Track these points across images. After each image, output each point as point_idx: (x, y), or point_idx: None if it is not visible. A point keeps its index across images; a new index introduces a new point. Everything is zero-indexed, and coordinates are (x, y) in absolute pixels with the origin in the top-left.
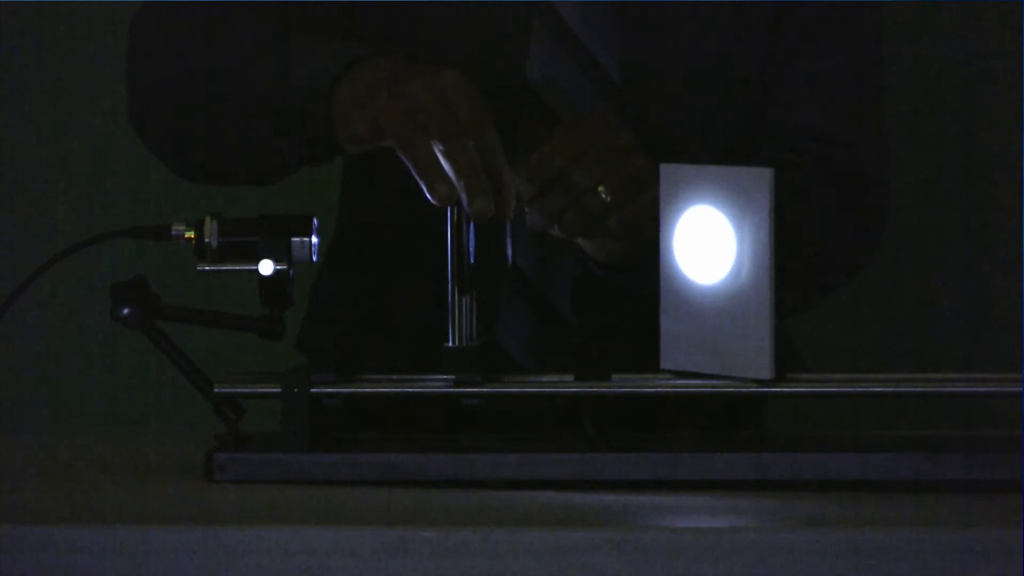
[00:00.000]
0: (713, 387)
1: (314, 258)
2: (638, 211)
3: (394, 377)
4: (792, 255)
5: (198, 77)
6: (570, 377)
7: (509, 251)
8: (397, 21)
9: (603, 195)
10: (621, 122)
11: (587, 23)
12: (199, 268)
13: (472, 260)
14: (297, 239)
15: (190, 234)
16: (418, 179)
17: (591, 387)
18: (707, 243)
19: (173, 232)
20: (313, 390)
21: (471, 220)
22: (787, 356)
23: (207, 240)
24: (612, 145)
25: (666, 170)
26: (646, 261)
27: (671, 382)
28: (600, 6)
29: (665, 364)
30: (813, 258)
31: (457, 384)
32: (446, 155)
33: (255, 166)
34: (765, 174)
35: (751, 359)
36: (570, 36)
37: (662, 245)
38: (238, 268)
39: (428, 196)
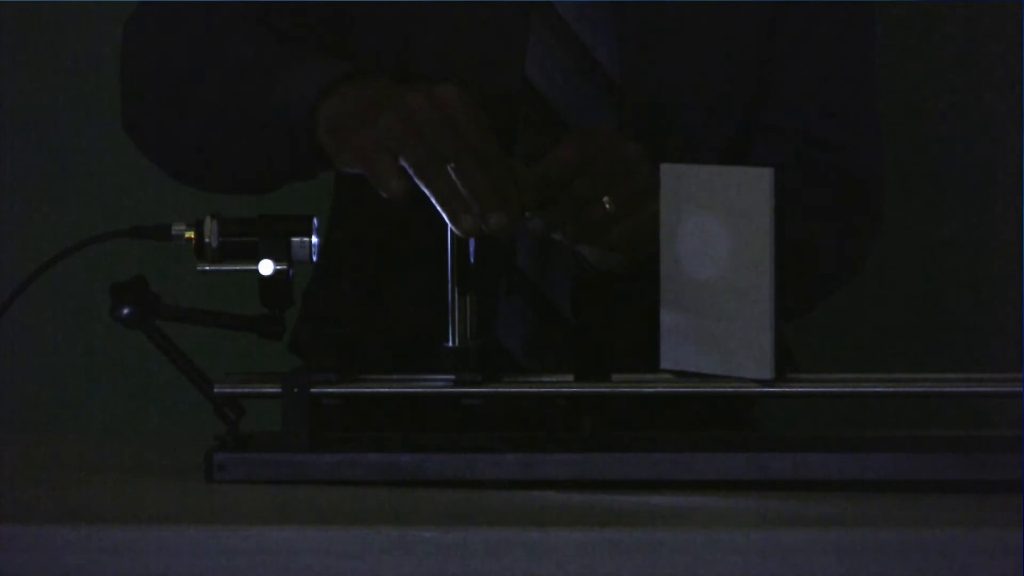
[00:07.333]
0: (713, 387)
1: (314, 258)
2: (642, 223)
3: (394, 377)
4: (786, 259)
5: (189, 84)
6: (570, 377)
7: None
8: (394, 21)
9: (607, 206)
10: (628, 135)
11: (586, 22)
12: (199, 268)
13: (472, 260)
14: (297, 239)
15: (190, 234)
16: (440, 208)
17: (591, 387)
18: (707, 243)
19: (173, 232)
20: (313, 390)
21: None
22: (784, 360)
23: (207, 240)
24: (619, 157)
25: (666, 170)
26: (647, 271)
27: (671, 382)
28: (599, 5)
29: (665, 364)
30: (807, 262)
31: (457, 384)
32: (460, 177)
33: (241, 177)
34: (765, 174)
35: (751, 359)
36: (569, 36)
37: (662, 245)
38: (238, 268)
39: (452, 227)
